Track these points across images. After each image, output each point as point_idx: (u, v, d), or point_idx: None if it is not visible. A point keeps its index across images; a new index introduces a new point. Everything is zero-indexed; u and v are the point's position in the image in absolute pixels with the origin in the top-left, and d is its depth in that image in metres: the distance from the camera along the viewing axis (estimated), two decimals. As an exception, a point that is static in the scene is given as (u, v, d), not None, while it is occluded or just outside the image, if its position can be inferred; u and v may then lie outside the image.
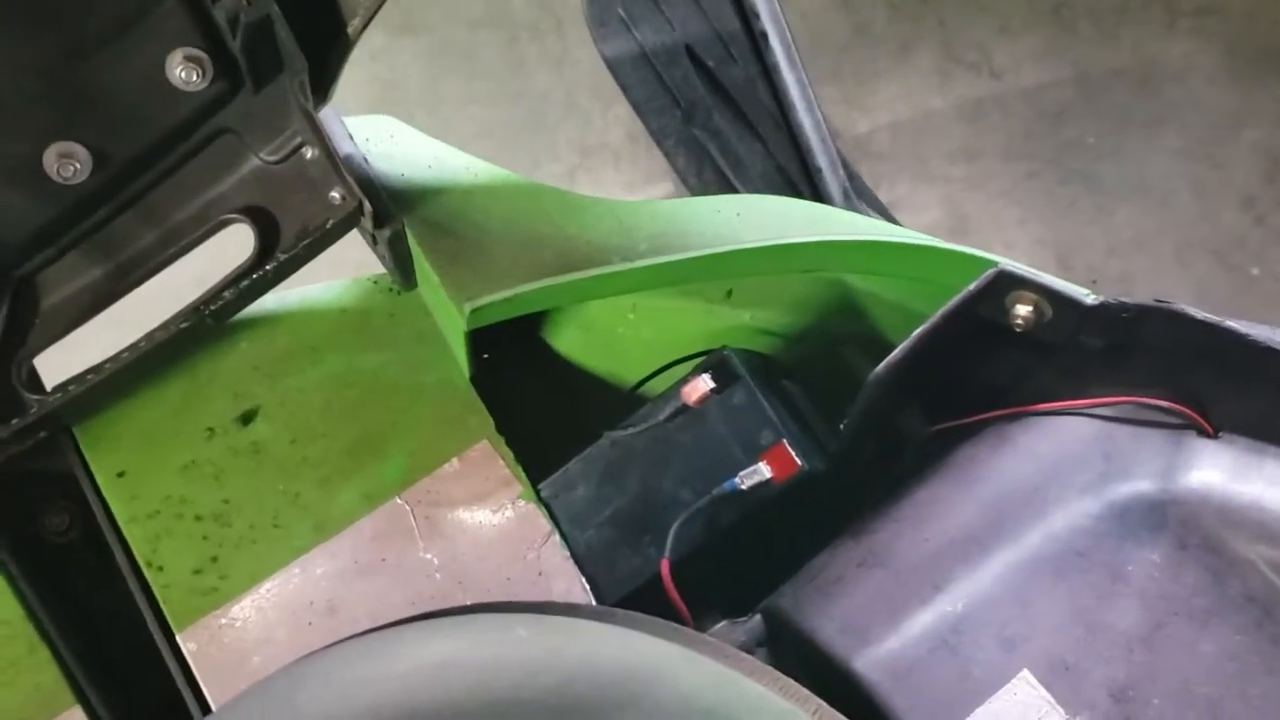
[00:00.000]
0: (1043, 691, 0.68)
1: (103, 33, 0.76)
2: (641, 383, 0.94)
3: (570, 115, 2.39)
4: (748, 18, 1.57)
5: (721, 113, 1.69)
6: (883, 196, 1.98)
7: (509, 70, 2.43)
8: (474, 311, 0.78)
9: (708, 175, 1.70)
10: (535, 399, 0.97)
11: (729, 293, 0.94)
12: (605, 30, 1.67)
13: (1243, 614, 0.67)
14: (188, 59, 0.79)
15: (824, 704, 0.58)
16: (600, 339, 0.96)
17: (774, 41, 1.54)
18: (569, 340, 0.97)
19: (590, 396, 0.98)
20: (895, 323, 0.94)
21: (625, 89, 1.70)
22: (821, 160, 1.56)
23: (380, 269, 0.93)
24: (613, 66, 1.69)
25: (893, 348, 0.76)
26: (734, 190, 1.68)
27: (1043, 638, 0.69)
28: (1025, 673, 0.68)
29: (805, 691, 0.58)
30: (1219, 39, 2.44)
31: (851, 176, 1.69)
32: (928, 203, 2.31)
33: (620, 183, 2.32)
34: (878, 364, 0.76)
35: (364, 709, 0.56)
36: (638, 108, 1.71)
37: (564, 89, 2.41)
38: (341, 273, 0.94)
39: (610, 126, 2.37)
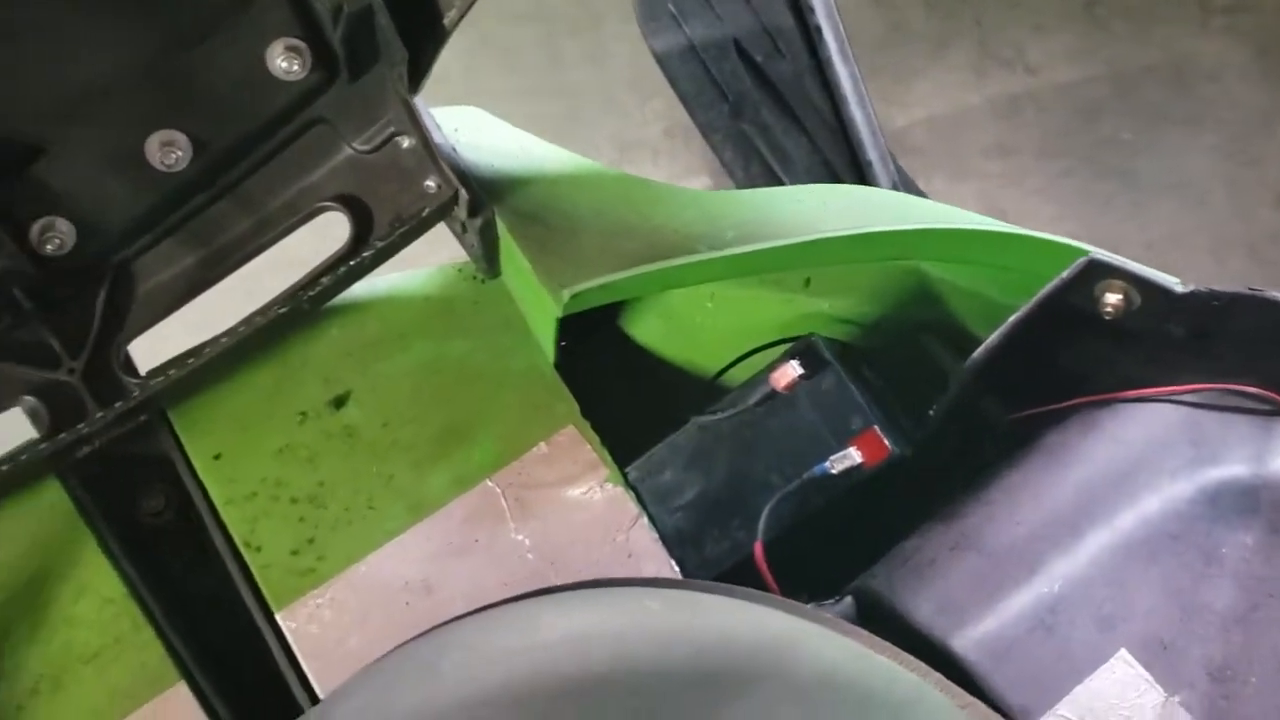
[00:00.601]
0: (1141, 670, 0.69)
1: (207, 23, 0.78)
2: (723, 370, 0.95)
3: (609, 110, 2.40)
4: (800, 12, 1.58)
5: (769, 107, 1.70)
6: (919, 192, 1.99)
7: (548, 65, 2.44)
8: (571, 298, 0.79)
9: (755, 169, 1.71)
10: (615, 386, 0.99)
11: (807, 281, 0.95)
12: (655, 25, 1.68)
13: (1339, 595, 0.68)
14: (288, 49, 0.80)
15: (940, 675, 0.59)
16: (679, 327, 0.98)
17: (828, 36, 1.55)
18: (648, 328, 0.98)
19: (668, 383, 0.99)
20: (972, 310, 0.95)
21: (673, 83, 1.71)
22: (872, 154, 1.57)
23: (464, 257, 0.94)
24: (661, 60, 1.70)
25: (969, 335, 0.77)
26: (780, 184, 1.69)
27: (1139, 618, 0.70)
28: (1123, 652, 0.70)
29: (924, 665, 0.59)
30: (1251, 37, 2.44)
31: (898, 169, 1.70)
32: (963, 198, 2.31)
33: (659, 177, 2.32)
34: (954, 351, 0.77)
35: (507, 678, 0.57)
36: (685, 102, 1.72)
37: (602, 84, 2.42)
38: (401, 265, 0.95)
39: (648, 121, 2.38)
